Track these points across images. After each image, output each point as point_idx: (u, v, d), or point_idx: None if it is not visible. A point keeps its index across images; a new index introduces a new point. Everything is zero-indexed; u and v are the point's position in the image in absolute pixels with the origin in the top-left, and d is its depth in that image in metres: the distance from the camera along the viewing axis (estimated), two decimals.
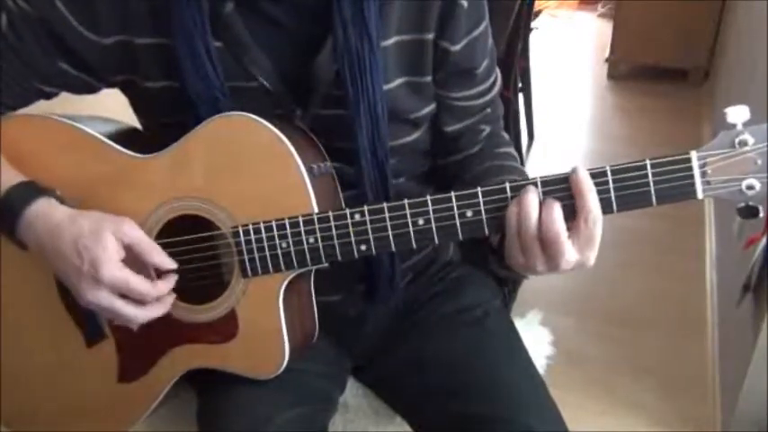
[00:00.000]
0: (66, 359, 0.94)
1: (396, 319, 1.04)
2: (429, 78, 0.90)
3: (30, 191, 0.84)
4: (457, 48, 0.88)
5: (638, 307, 2.20)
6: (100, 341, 0.92)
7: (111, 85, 0.90)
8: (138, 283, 0.80)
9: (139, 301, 0.82)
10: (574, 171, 0.73)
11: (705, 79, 3.49)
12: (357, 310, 1.00)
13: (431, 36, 0.87)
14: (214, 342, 0.88)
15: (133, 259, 0.81)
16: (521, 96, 2.86)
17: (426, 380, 0.97)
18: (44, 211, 0.82)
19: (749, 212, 0.72)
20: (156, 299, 0.83)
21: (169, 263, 0.84)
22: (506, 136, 1.03)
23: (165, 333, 0.89)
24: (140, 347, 0.91)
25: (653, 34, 3.44)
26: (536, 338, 1.18)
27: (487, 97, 0.97)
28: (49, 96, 0.92)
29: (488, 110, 0.98)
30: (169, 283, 0.84)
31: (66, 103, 0.95)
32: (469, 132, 0.97)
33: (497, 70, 0.98)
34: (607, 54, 3.67)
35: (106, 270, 0.78)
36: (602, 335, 2.09)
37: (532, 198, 0.74)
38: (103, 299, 0.80)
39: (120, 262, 0.80)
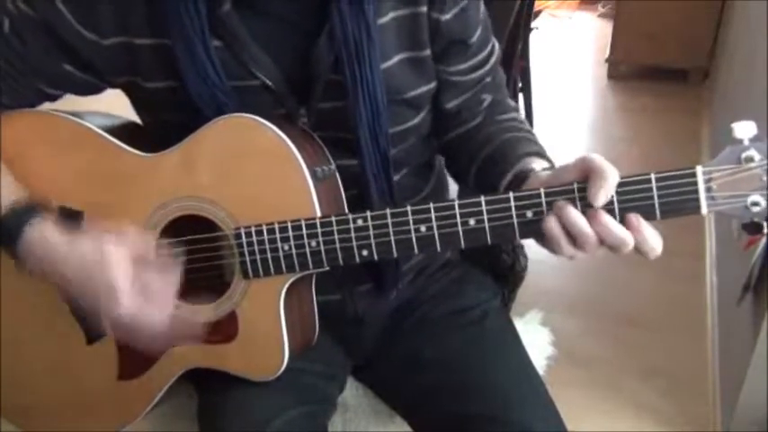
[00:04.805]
0: (66, 356, 0.94)
1: (395, 319, 1.04)
2: (428, 52, 0.89)
3: (23, 213, 0.83)
4: (447, 17, 0.88)
5: (638, 307, 2.20)
6: (100, 338, 0.92)
7: (114, 85, 0.90)
8: (150, 311, 0.80)
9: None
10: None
11: (705, 79, 3.49)
12: (357, 309, 1.00)
13: (424, 9, 0.87)
14: (214, 342, 0.88)
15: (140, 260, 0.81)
16: (521, 96, 2.86)
17: (425, 380, 0.98)
18: (40, 238, 0.82)
19: (754, 228, 0.71)
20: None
21: (174, 259, 0.82)
22: (511, 102, 1.02)
23: None
24: None
25: (653, 34, 3.44)
26: (536, 338, 1.18)
27: (485, 68, 0.96)
28: (53, 99, 0.92)
29: (488, 79, 0.98)
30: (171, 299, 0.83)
31: (66, 99, 0.94)
32: (470, 104, 0.97)
33: (494, 41, 0.98)
34: (607, 54, 3.67)
35: (121, 301, 0.79)
36: (602, 335, 2.09)
37: (575, 213, 0.72)
38: (121, 322, 0.81)
39: (132, 289, 0.79)
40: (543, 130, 3.14)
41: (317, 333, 0.93)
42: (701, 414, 1.81)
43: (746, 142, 0.70)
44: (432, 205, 0.77)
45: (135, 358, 0.92)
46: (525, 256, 1.13)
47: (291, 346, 0.87)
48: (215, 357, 0.89)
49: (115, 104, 0.96)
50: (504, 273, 1.12)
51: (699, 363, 1.96)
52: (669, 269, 2.31)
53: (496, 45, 0.98)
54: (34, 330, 0.94)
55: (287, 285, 0.85)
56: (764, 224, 0.71)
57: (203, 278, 0.89)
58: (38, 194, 0.87)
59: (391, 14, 0.86)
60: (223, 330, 0.88)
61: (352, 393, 1.08)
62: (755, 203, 0.70)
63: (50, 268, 0.83)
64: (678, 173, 0.71)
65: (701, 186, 0.70)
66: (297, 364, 0.90)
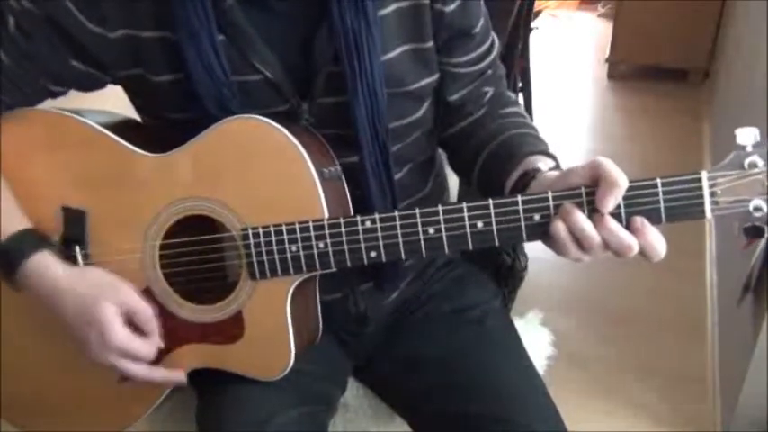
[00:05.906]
0: (67, 356, 0.93)
1: (395, 319, 1.04)
2: (431, 44, 0.90)
3: (25, 244, 0.86)
4: (451, 8, 0.88)
5: (638, 307, 2.20)
6: None
7: (117, 80, 0.90)
8: (140, 347, 0.86)
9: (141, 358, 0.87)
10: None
11: (705, 79, 3.48)
12: (359, 308, 1.00)
13: (427, 0, 0.87)
14: (219, 343, 0.89)
15: (130, 319, 0.86)
16: (521, 96, 2.86)
17: (425, 380, 0.98)
18: (39, 270, 0.85)
19: (755, 232, 0.72)
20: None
21: (157, 338, 0.88)
22: (512, 95, 1.03)
23: (169, 333, 0.89)
24: None
25: (653, 34, 3.44)
26: (536, 339, 1.18)
27: (487, 60, 0.97)
28: (56, 95, 0.92)
29: (489, 71, 0.99)
30: (154, 344, 0.88)
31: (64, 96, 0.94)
32: (473, 96, 0.98)
33: (493, 34, 0.99)
34: (607, 54, 3.67)
35: (113, 340, 0.85)
36: (602, 335, 2.09)
37: (582, 218, 0.73)
38: (110, 360, 0.86)
39: (123, 329, 0.85)
40: (543, 131, 3.13)
41: (320, 332, 0.94)
42: (700, 414, 1.81)
43: (750, 148, 0.70)
44: (440, 207, 0.77)
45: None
46: (525, 256, 1.13)
47: (297, 346, 0.87)
48: (220, 358, 0.90)
49: (115, 102, 0.96)
50: (504, 272, 1.12)
51: (698, 362, 1.96)
52: (669, 269, 2.30)
53: (496, 38, 0.99)
54: (36, 332, 0.94)
55: (294, 286, 0.85)
56: (765, 228, 0.72)
57: (208, 279, 0.89)
58: (40, 195, 0.88)
59: (393, 6, 0.86)
60: (228, 331, 0.88)
61: (353, 394, 1.08)
62: (758, 208, 0.71)
63: (48, 301, 0.86)
64: (683, 178, 0.71)
65: (706, 191, 0.71)
66: (299, 365, 0.90)
